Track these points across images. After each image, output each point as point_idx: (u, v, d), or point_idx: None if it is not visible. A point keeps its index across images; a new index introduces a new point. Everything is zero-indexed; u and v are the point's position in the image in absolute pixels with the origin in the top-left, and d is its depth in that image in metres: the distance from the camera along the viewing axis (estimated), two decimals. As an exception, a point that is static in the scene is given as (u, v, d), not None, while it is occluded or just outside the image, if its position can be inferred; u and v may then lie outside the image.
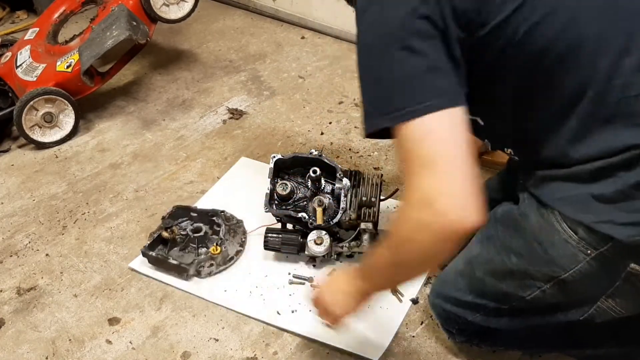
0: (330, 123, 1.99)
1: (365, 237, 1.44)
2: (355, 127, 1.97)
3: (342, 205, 1.44)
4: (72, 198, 1.77)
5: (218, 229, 1.56)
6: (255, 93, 2.18)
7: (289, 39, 2.47)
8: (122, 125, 2.06)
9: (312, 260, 1.49)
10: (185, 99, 2.16)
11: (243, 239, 1.56)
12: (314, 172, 1.41)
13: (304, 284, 1.45)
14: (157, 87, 2.23)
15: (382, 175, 1.50)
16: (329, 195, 1.46)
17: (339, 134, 1.94)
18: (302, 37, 2.48)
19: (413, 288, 1.41)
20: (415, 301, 1.39)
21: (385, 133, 0.92)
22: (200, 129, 2.02)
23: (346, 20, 2.36)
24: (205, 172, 1.83)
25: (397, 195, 1.60)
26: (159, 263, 1.49)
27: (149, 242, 1.51)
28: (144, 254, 1.49)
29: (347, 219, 1.44)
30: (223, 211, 1.60)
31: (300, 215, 1.44)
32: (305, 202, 1.48)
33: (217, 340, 1.35)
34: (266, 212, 1.46)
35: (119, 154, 1.93)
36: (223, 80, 2.25)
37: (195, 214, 1.60)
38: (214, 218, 1.59)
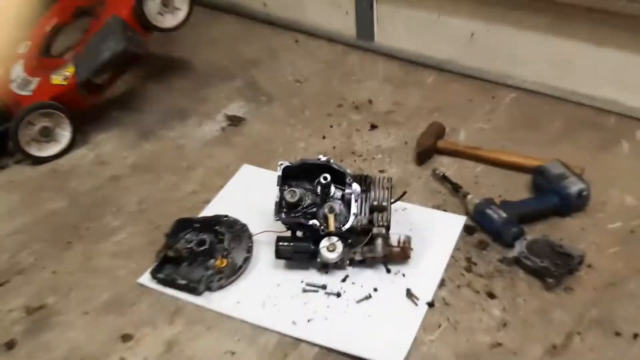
0: (331, 127, 1.98)
1: (378, 241, 1.43)
2: (356, 129, 1.96)
3: (353, 210, 1.43)
4: (74, 213, 1.74)
5: (222, 237, 1.54)
6: (252, 99, 2.16)
7: (283, 43, 2.46)
8: (119, 136, 2.03)
9: (324, 267, 1.48)
10: (182, 108, 2.13)
11: (249, 245, 1.53)
12: (325, 178, 1.40)
13: (317, 291, 1.44)
14: (152, 97, 2.21)
15: (391, 179, 1.49)
16: (339, 201, 1.45)
17: (340, 137, 1.93)
18: (296, 41, 2.46)
19: (428, 292, 1.41)
20: (431, 304, 1.38)
21: None
22: (199, 137, 2.00)
23: (339, 22, 2.36)
24: (207, 182, 1.81)
25: (405, 198, 1.60)
26: (169, 284, 1.47)
27: (155, 264, 1.49)
28: (153, 276, 1.48)
29: (359, 224, 1.43)
30: (226, 216, 1.58)
31: (311, 222, 1.42)
32: (314, 209, 1.47)
33: (233, 353, 1.33)
34: (276, 220, 1.45)
35: (118, 166, 1.91)
36: (219, 88, 2.23)
37: (198, 224, 1.58)
38: (217, 227, 1.56)
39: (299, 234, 1.50)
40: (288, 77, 2.26)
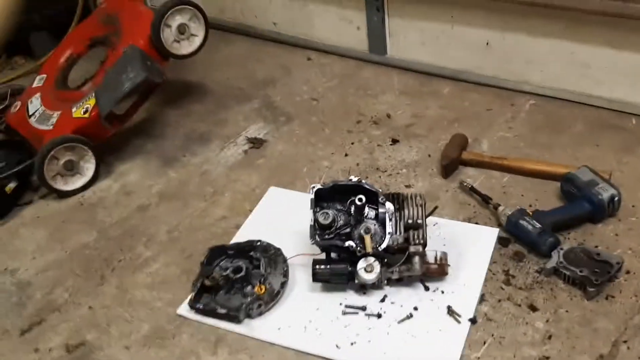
0: (352, 144, 1.99)
1: (416, 259, 1.43)
2: (378, 145, 1.96)
3: (388, 230, 1.43)
4: (105, 246, 1.74)
5: (258, 263, 1.54)
6: (271, 119, 2.17)
7: (296, 61, 2.47)
8: (143, 165, 2.03)
9: (362, 288, 1.48)
10: (202, 132, 2.14)
11: (285, 269, 1.54)
12: (360, 200, 1.40)
13: (357, 313, 1.44)
14: (171, 123, 2.21)
15: (424, 196, 1.49)
16: (373, 221, 1.45)
17: (363, 153, 1.94)
18: (308, 59, 2.47)
19: (469, 308, 1.41)
20: (473, 320, 1.38)
21: None
22: (222, 161, 2.00)
23: (351, 38, 2.37)
24: (235, 206, 1.82)
25: (435, 212, 1.60)
26: (208, 313, 1.48)
27: (193, 294, 1.49)
28: (192, 307, 1.48)
29: (395, 243, 1.44)
30: (259, 241, 1.59)
31: (347, 244, 1.43)
32: (347, 230, 1.47)
33: (280, 380, 1.34)
34: (312, 244, 1.45)
35: (144, 195, 1.91)
36: (236, 110, 2.24)
37: (232, 251, 1.59)
38: (252, 253, 1.57)
39: (333, 255, 1.51)
40: (304, 96, 2.27)
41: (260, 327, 1.44)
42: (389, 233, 1.43)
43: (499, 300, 1.42)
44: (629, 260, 1.46)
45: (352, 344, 1.37)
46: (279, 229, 1.66)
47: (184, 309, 1.51)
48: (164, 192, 1.91)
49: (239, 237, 1.68)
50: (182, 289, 1.56)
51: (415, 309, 1.43)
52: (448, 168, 1.78)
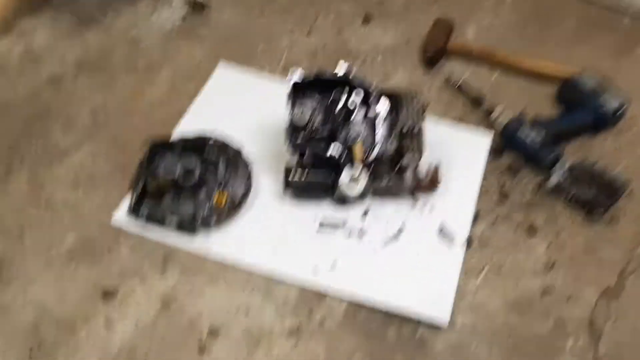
0: (316, 19, 1.67)
1: (408, 174, 1.22)
2: (347, 22, 1.66)
3: (379, 136, 1.19)
4: (9, 127, 1.38)
5: (212, 164, 1.26)
6: (213, -21, 1.78)
7: None
8: (51, 23, 1.61)
9: (341, 201, 1.26)
10: (127, -13, 1.72)
11: (248, 173, 1.27)
12: (353, 103, 1.13)
13: (335, 230, 1.22)
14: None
15: (423, 98, 1.25)
16: (362, 124, 1.20)
17: (329, 33, 1.63)
18: None
19: (463, 228, 1.23)
20: (469, 243, 1.21)
21: None
22: (155, 28, 1.62)
23: None
24: (176, 86, 1.48)
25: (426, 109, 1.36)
26: (154, 222, 1.20)
27: (133, 202, 1.20)
28: (132, 213, 1.20)
29: (386, 152, 1.20)
30: (213, 138, 1.30)
31: (331, 152, 1.17)
32: (325, 132, 1.21)
33: (248, 309, 1.12)
34: (289, 151, 1.18)
35: (57, 63, 1.52)
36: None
37: (179, 148, 1.29)
38: (206, 153, 1.27)
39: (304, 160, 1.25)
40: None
41: (219, 244, 1.19)
42: (379, 140, 1.19)
43: (495, 221, 1.26)
44: (630, 179, 1.32)
45: (331, 267, 1.17)
46: (235, 118, 1.37)
47: (121, 216, 1.22)
48: (83, 61, 1.53)
49: (185, 126, 1.38)
50: (115, 189, 1.26)
51: (401, 229, 1.23)
52: (433, 59, 1.53)
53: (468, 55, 1.55)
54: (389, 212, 1.25)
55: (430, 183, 1.25)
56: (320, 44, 1.60)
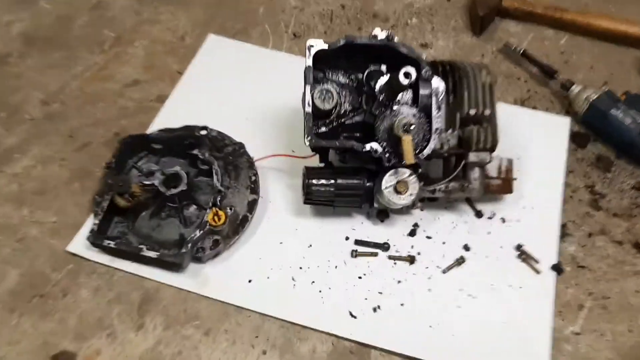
0: (330, -26, 1.32)
1: (475, 174, 0.88)
2: (369, -22, 1.31)
3: (436, 124, 0.85)
4: None
5: (206, 166, 0.93)
6: None
7: None
8: (-8, -13, 1.27)
9: (381, 214, 0.92)
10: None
11: (253, 178, 0.94)
12: (407, 75, 0.78)
13: (376, 255, 0.89)
14: None
15: (489, 68, 0.91)
16: (411, 109, 0.86)
17: (348, -10, 1.29)
18: None
19: (548, 248, 0.90)
20: (558, 269, 0.88)
21: None
22: (127, -11, 1.28)
23: None
24: (155, 64, 1.15)
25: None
26: (123, 255, 0.87)
27: (97, 223, 0.86)
28: (94, 243, 0.86)
29: (445, 147, 0.87)
30: (206, 128, 0.96)
31: (368, 147, 0.84)
32: (359, 118, 0.87)
33: (259, 377, 0.79)
34: (309, 146, 0.84)
35: (1, 38, 1.18)
36: None
37: (160, 145, 0.95)
38: (196, 149, 0.94)
39: (332, 158, 0.92)
40: None
41: (216, 279, 0.86)
42: (436, 130, 0.85)
43: (589, 235, 0.93)
44: None
45: (374, 309, 0.84)
46: (232, 104, 1.04)
47: (81, 244, 0.89)
48: (33, 35, 1.20)
49: (164, 117, 1.04)
50: (73, 205, 0.94)
51: (466, 248, 0.90)
52: (484, 20, 1.19)
53: (529, 15, 1.21)
54: (445, 228, 0.92)
55: (503, 184, 0.92)
56: (337, 3, 1.25)
